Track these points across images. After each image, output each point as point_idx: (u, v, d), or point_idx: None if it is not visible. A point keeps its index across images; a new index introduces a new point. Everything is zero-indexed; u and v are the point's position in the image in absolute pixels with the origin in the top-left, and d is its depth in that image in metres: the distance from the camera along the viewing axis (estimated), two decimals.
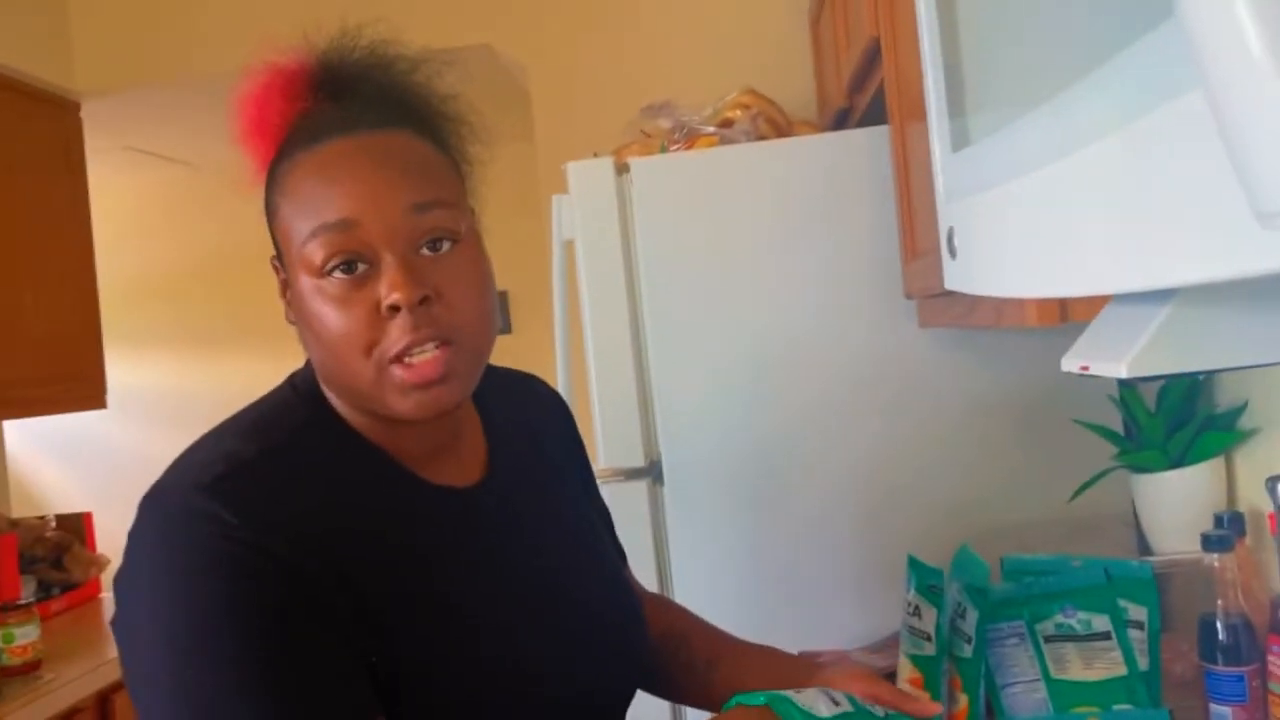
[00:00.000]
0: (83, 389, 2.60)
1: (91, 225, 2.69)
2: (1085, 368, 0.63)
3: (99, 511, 2.83)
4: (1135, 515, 1.45)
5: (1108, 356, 0.60)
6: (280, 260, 0.75)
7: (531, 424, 0.91)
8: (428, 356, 0.69)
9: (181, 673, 0.63)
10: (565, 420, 0.98)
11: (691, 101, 1.80)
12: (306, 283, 0.70)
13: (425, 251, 0.70)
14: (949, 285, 0.74)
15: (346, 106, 0.74)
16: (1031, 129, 0.52)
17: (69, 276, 2.59)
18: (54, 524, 2.68)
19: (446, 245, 0.71)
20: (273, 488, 0.68)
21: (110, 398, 2.70)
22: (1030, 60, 0.54)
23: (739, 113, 1.72)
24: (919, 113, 0.99)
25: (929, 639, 1.09)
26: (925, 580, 1.11)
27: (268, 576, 0.64)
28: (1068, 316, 0.87)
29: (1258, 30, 0.26)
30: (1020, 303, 0.91)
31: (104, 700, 2.10)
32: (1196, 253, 0.36)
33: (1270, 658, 1.00)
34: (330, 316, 0.69)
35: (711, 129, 1.70)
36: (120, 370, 2.94)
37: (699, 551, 1.59)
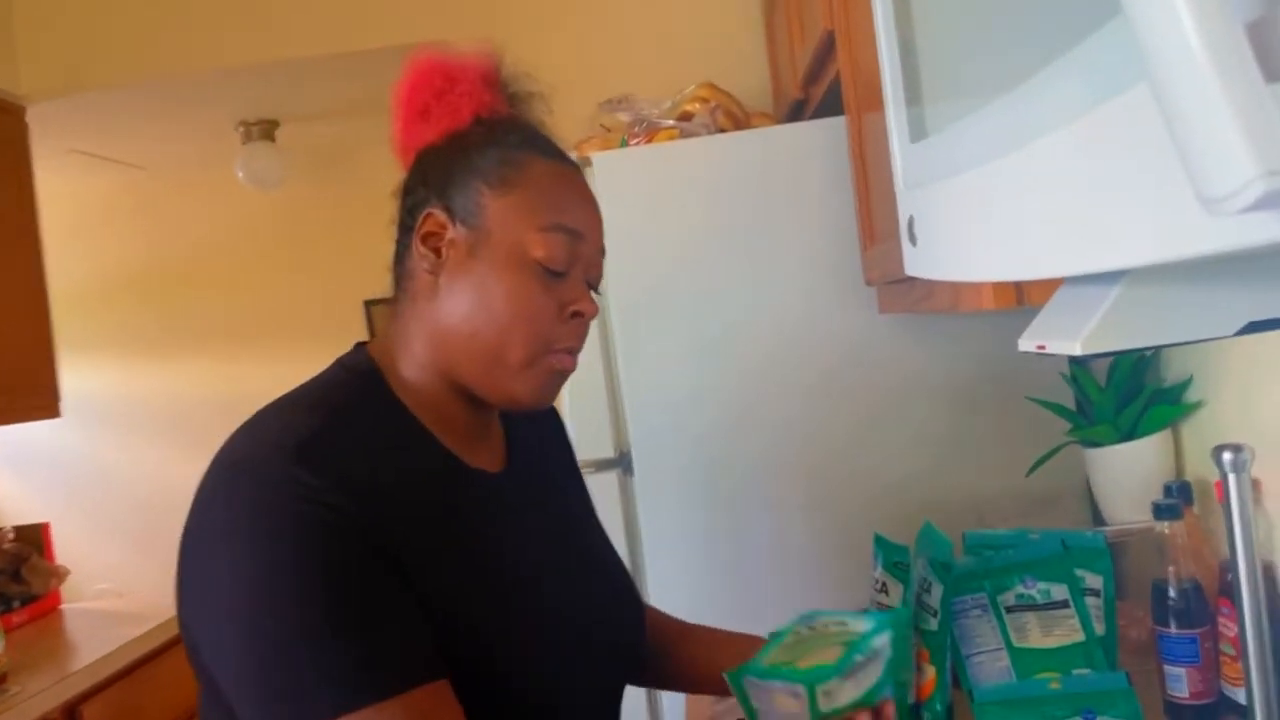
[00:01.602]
0: (36, 398, 2.55)
1: (40, 231, 2.63)
2: (1042, 347, 0.66)
3: (55, 522, 2.78)
4: (1089, 487, 1.50)
5: (1063, 335, 0.63)
6: (455, 217, 0.81)
7: (536, 425, 0.98)
8: (568, 358, 0.83)
9: (258, 621, 0.67)
10: (558, 423, 1.05)
11: (650, 95, 1.81)
12: (511, 257, 0.80)
13: None
14: (910, 271, 0.77)
15: (545, 137, 0.87)
16: (989, 120, 0.54)
17: (18, 284, 2.53)
18: (12, 535, 2.63)
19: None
20: (342, 452, 0.74)
21: (62, 405, 2.65)
22: (986, 53, 0.56)
23: (698, 106, 1.74)
24: (875, 104, 1.02)
25: None
26: (891, 558, 1.14)
27: (342, 532, 0.69)
28: (1024, 300, 0.89)
29: (1198, 30, 0.28)
30: (977, 287, 0.94)
31: (71, 711, 2.06)
32: (1145, 237, 0.38)
33: (1221, 620, 1.04)
34: (525, 295, 0.80)
35: (671, 122, 1.71)
36: (70, 377, 2.88)
37: (669, 538, 1.61)
